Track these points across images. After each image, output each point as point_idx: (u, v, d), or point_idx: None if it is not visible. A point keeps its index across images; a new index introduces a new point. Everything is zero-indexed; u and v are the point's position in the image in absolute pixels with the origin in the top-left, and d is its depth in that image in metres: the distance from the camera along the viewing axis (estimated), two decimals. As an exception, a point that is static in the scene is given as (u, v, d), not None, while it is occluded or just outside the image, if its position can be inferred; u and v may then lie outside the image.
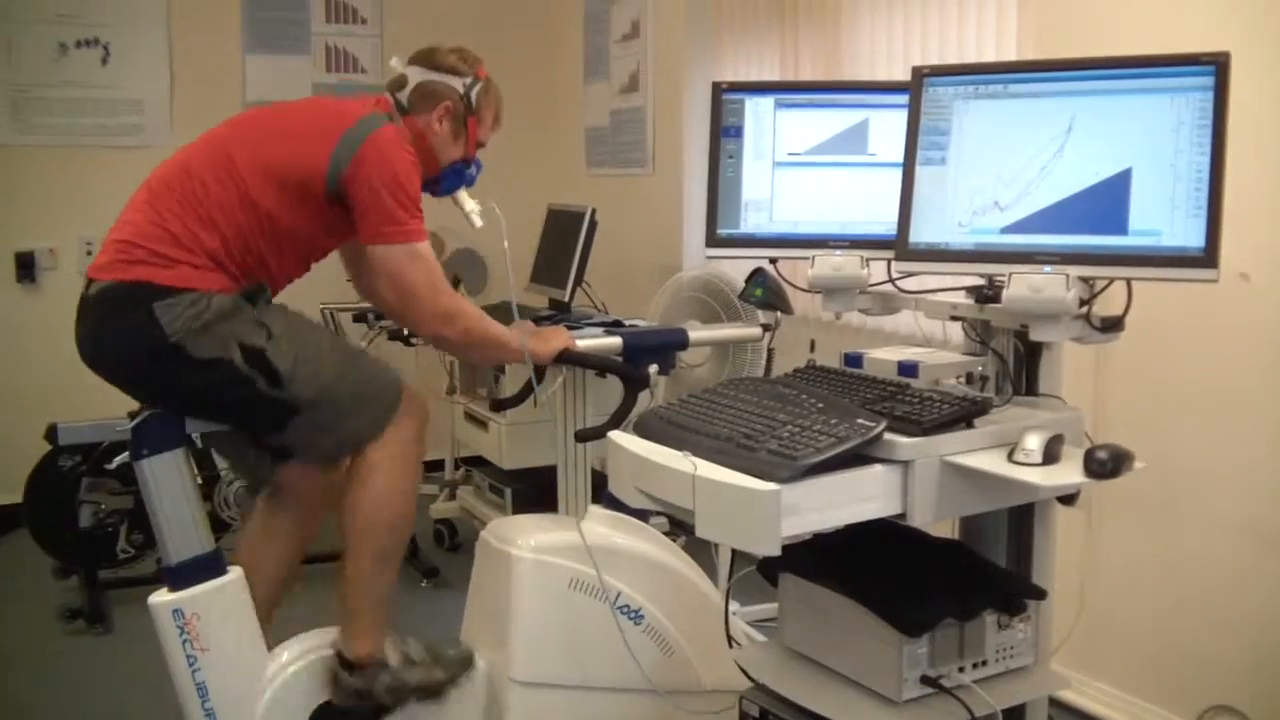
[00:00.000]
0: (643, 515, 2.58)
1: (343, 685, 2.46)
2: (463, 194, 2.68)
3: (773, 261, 2.50)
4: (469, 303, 2.56)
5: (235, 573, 2.39)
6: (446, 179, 2.63)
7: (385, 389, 2.48)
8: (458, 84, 2.59)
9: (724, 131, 2.43)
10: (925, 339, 2.99)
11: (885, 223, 2.23)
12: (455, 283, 4.22)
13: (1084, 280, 1.95)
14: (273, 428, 2.41)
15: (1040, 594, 2.08)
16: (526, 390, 3.01)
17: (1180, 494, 2.81)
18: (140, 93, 5.17)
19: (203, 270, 2.30)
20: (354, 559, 2.45)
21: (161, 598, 2.32)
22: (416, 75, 2.59)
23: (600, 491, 2.58)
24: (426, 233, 2.46)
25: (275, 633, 2.51)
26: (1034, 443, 1.83)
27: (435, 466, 5.36)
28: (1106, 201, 1.94)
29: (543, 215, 4.42)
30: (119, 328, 2.31)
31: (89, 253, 4.89)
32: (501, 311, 2.84)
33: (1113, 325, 2.03)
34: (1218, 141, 1.85)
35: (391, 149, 2.40)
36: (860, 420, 1.84)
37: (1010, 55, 3.24)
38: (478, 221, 2.69)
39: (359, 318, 4.37)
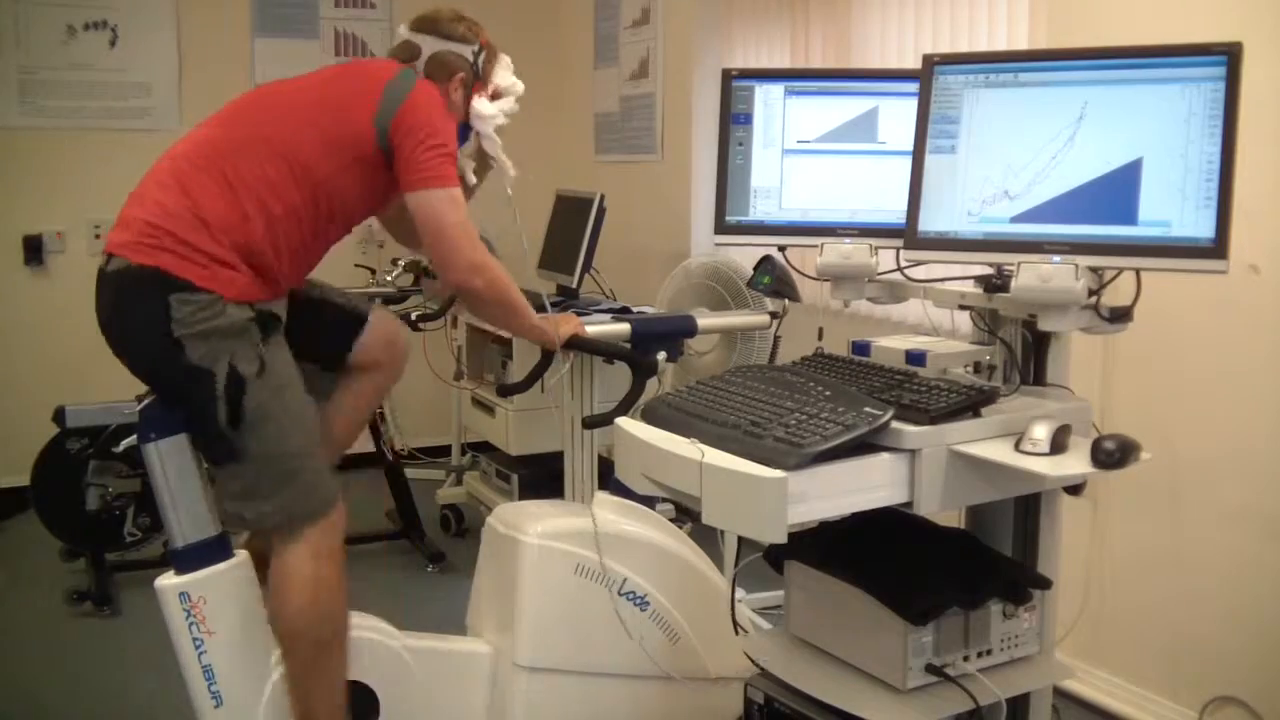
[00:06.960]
0: (649, 502, 2.59)
1: None
2: (496, 149, 2.68)
3: (781, 249, 2.50)
4: (498, 261, 2.55)
5: (241, 556, 2.38)
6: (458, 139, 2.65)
7: (321, 492, 2.40)
8: (467, 53, 2.63)
9: (733, 118, 2.43)
10: (933, 328, 2.98)
11: (894, 211, 2.23)
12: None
13: (1093, 270, 1.95)
14: (210, 460, 2.36)
15: (1046, 584, 2.08)
16: (534, 376, 3.01)
17: (1187, 485, 2.81)
18: (149, 76, 5.17)
19: (228, 269, 2.27)
20: (289, 666, 2.38)
21: (168, 580, 2.31)
22: (430, 45, 2.62)
23: (607, 478, 2.59)
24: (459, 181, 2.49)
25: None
26: (1041, 432, 1.83)
27: (442, 452, 5.37)
28: (1117, 191, 1.93)
29: (551, 201, 4.42)
30: (133, 312, 2.29)
31: (97, 236, 4.90)
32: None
33: (1121, 315, 2.03)
34: (1229, 132, 1.84)
35: (432, 101, 2.47)
36: (867, 408, 1.84)
37: (1021, 44, 3.23)
38: (511, 170, 2.70)
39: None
